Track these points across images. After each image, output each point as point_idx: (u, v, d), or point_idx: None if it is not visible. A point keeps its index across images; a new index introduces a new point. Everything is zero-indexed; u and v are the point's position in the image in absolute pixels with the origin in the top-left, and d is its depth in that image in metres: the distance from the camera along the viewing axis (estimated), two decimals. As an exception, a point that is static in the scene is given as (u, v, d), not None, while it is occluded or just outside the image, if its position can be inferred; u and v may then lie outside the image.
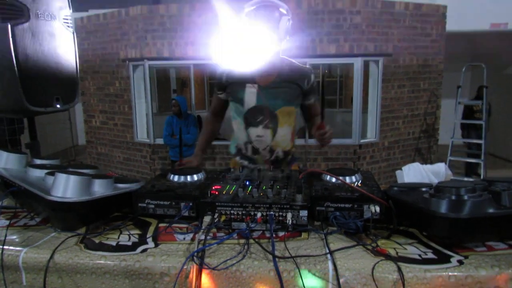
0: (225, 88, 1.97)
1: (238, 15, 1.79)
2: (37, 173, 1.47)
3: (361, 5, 5.41)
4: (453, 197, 1.04)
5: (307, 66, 1.95)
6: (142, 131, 6.31)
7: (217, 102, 2.09)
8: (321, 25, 5.47)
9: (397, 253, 1.05)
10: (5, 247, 1.14)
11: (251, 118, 1.92)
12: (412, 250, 1.07)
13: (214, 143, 5.82)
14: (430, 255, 1.04)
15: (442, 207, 1.04)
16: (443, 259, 1.02)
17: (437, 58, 6.20)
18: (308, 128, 2.10)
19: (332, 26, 5.46)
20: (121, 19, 6.01)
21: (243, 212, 1.20)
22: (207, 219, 1.20)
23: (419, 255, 1.04)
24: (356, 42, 5.48)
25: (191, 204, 1.29)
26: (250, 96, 1.88)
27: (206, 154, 2.00)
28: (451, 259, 1.01)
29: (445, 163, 1.59)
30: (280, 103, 1.88)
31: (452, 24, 6.43)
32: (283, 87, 1.88)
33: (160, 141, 5.88)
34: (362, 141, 5.82)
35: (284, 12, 1.77)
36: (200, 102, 8.63)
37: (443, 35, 6.15)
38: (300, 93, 1.91)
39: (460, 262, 0.99)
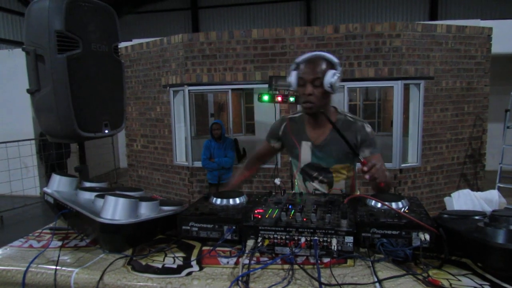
0: (280, 140, 2.03)
1: (290, 69, 1.84)
2: (87, 196, 1.53)
3: (401, 29, 5.36)
4: (511, 227, 0.99)
5: (359, 119, 1.87)
6: (181, 154, 6.46)
7: (266, 148, 2.12)
8: (359, 48, 5.46)
9: (450, 284, 1.00)
10: (58, 267, 1.19)
11: (307, 174, 1.97)
12: (467, 282, 1.01)
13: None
14: (487, 288, 0.98)
15: (499, 237, 0.98)
16: (502, 292, 0.96)
17: (482, 81, 5.99)
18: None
19: (370, 49, 5.44)
20: (162, 47, 6.27)
21: (287, 236, 1.19)
22: (250, 243, 1.19)
23: (475, 288, 0.98)
24: (396, 66, 5.41)
25: (234, 227, 1.29)
26: (305, 153, 1.92)
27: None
28: (511, 293, 0.95)
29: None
30: (332, 161, 1.89)
31: (499, 46, 6.23)
32: (335, 144, 1.84)
33: (198, 164, 5.98)
34: (403, 165, 5.65)
35: (333, 65, 1.76)
36: (236, 125, 8.76)
37: (488, 57, 5.96)
38: (352, 149, 1.82)
39: (521, 297, 0.93)
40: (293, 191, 2.10)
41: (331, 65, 1.75)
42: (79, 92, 2.00)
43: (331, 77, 1.70)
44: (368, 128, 1.86)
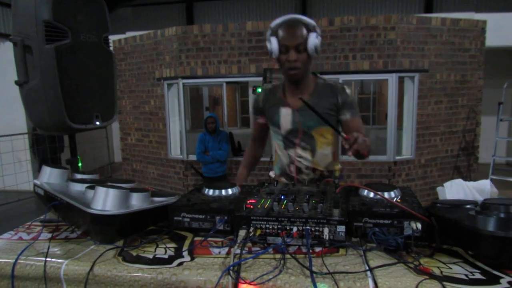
0: (263, 112, 1.99)
1: (265, 34, 1.79)
2: (77, 187, 1.52)
3: (396, 21, 5.35)
4: (502, 215, 0.99)
5: (339, 83, 1.86)
6: (176, 148, 6.44)
7: (256, 128, 2.10)
8: (354, 41, 5.45)
9: (441, 272, 1.00)
10: (47, 259, 1.18)
11: (288, 140, 1.93)
12: (458, 270, 1.01)
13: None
14: (478, 275, 0.98)
15: (489, 225, 0.98)
16: (492, 280, 0.96)
17: (476, 73, 6.00)
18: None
19: (365, 42, 5.43)
20: (156, 40, 6.22)
21: (279, 226, 1.18)
22: (242, 233, 1.19)
23: (466, 275, 0.98)
24: (391, 58, 5.41)
25: (226, 218, 1.29)
26: (285, 119, 1.89)
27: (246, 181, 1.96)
28: (501, 280, 0.95)
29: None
30: (313, 124, 1.86)
31: (493, 39, 6.23)
32: (316, 107, 1.82)
33: (192, 157, 5.97)
34: (397, 158, 5.67)
35: (312, 28, 1.72)
36: (232, 119, 8.74)
37: (482, 50, 5.97)
38: (333, 110, 1.85)
39: (511, 284, 0.93)
40: (273, 162, 2.07)
41: (309, 28, 1.72)
42: (68, 83, 1.97)
43: (314, 40, 1.67)
44: (348, 90, 1.86)
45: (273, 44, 1.73)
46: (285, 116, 1.88)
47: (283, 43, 1.70)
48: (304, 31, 1.69)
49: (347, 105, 1.84)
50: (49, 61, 1.89)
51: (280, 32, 1.72)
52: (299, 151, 1.91)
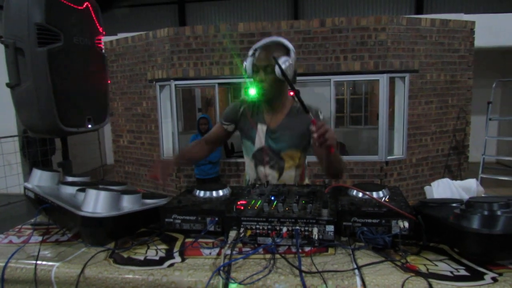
0: (236, 123, 1.99)
1: (248, 54, 1.81)
2: (68, 190, 1.52)
3: (386, 22, 5.40)
4: (486, 213, 1.01)
5: (314, 107, 1.81)
6: (168, 149, 6.42)
7: (218, 131, 2.06)
8: (345, 42, 5.49)
9: (427, 269, 1.02)
10: (38, 262, 1.18)
11: (258, 158, 1.95)
12: (444, 267, 1.04)
13: (238, 160, 5.86)
14: (463, 272, 1.01)
15: (474, 222, 1.01)
16: (476, 276, 0.98)
17: (465, 74, 6.08)
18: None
19: (356, 43, 5.47)
20: (148, 41, 6.21)
21: (269, 227, 1.20)
22: (232, 234, 1.20)
23: (451, 272, 1.00)
24: (381, 59, 5.46)
25: (216, 219, 1.30)
26: (260, 136, 1.91)
27: (173, 171, 1.94)
28: (485, 276, 0.97)
29: (477, 180, 1.54)
30: (284, 146, 1.88)
31: (482, 40, 6.32)
32: (288, 130, 1.87)
33: (185, 159, 5.96)
34: (389, 157, 5.72)
35: (286, 53, 1.73)
36: (225, 121, 8.74)
37: (471, 50, 6.04)
38: (306, 133, 1.85)
39: (495, 280, 0.95)
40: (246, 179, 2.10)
41: (285, 52, 1.74)
42: (61, 86, 1.97)
43: (281, 64, 1.67)
44: (321, 116, 1.87)
45: (247, 63, 1.80)
46: (261, 132, 1.91)
47: (254, 63, 1.77)
48: (276, 54, 1.69)
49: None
50: (41, 64, 1.89)
51: (256, 53, 1.78)
52: (267, 170, 1.94)
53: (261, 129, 1.91)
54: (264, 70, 1.74)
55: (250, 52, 1.81)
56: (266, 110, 1.92)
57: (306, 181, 2.03)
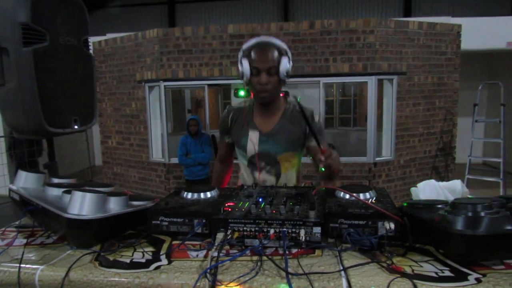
0: (229, 133, 1.97)
1: (239, 57, 1.77)
2: (54, 192, 1.50)
3: (375, 25, 5.45)
4: (470, 214, 1.02)
5: (308, 108, 1.80)
6: (157, 151, 6.39)
7: (224, 148, 2.06)
8: (334, 44, 5.52)
9: (412, 270, 1.03)
10: (21, 265, 1.16)
11: (254, 165, 1.91)
12: (428, 268, 1.05)
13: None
14: (447, 273, 1.02)
15: (458, 224, 1.02)
16: (460, 277, 0.99)
17: (452, 76, 6.16)
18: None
19: (345, 45, 5.51)
20: (137, 42, 6.18)
21: (256, 228, 1.20)
22: (220, 236, 1.20)
23: (436, 273, 1.01)
24: (370, 61, 5.50)
25: (204, 221, 1.29)
26: (252, 142, 1.87)
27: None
28: (469, 277, 0.99)
29: (463, 181, 1.56)
30: (281, 149, 1.86)
31: (468, 43, 6.42)
32: (284, 133, 1.85)
33: (174, 160, 5.93)
34: (377, 159, 5.77)
35: (284, 52, 1.73)
36: (214, 122, 8.73)
37: (458, 53, 6.13)
38: (301, 136, 1.87)
39: (478, 280, 0.97)
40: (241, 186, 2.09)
41: (281, 52, 1.72)
42: (46, 86, 1.94)
43: (286, 64, 1.68)
44: (316, 118, 1.87)
45: (244, 66, 1.72)
46: (252, 139, 1.87)
47: (255, 65, 1.70)
48: (276, 54, 1.70)
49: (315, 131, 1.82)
50: (27, 64, 1.86)
51: (252, 54, 1.71)
52: (264, 175, 1.91)
53: (253, 135, 1.87)
54: (267, 72, 1.70)
55: (242, 54, 1.76)
56: (258, 114, 1.88)
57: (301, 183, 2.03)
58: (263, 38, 1.76)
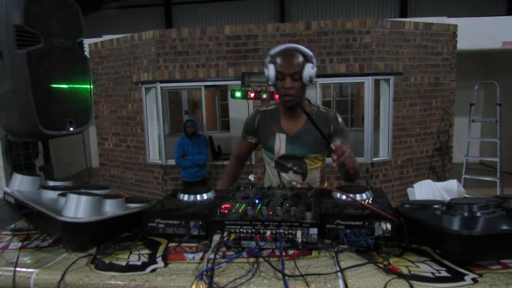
0: (256, 134, 2.03)
1: (265, 62, 1.84)
2: (50, 195, 1.49)
3: (371, 25, 5.46)
4: (466, 214, 1.02)
5: (331, 110, 1.94)
6: (154, 152, 6.37)
7: (244, 147, 2.12)
8: (330, 45, 5.53)
9: (409, 271, 1.03)
10: (17, 269, 1.15)
11: (281, 165, 1.98)
12: (425, 268, 1.05)
13: (225, 163, 5.84)
14: (444, 273, 1.02)
15: (454, 224, 1.02)
16: (457, 277, 0.99)
17: (449, 76, 6.18)
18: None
19: (342, 46, 5.51)
20: (134, 44, 6.16)
21: (253, 230, 1.19)
22: (216, 238, 1.19)
23: (432, 273, 1.01)
24: (366, 62, 5.51)
25: (200, 223, 1.29)
26: (280, 145, 1.93)
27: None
28: (465, 277, 0.99)
29: (460, 181, 1.57)
30: (307, 151, 1.93)
31: (464, 43, 6.44)
32: (309, 135, 1.90)
33: (171, 162, 5.92)
34: (374, 159, 5.77)
35: (309, 59, 1.78)
36: (211, 123, 8.72)
37: (454, 53, 6.14)
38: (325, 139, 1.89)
39: (475, 281, 0.97)
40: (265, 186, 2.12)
41: (306, 58, 1.78)
42: (41, 88, 1.93)
43: (310, 70, 1.74)
44: (340, 119, 1.94)
45: (270, 70, 1.79)
46: (280, 142, 1.92)
47: (280, 70, 1.77)
48: (301, 60, 1.76)
49: (338, 133, 1.91)
50: (21, 66, 1.85)
51: (278, 60, 1.78)
52: (291, 175, 1.98)
53: (280, 137, 1.92)
54: (291, 77, 1.75)
55: (268, 59, 1.82)
56: (284, 117, 1.94)
57: (325, 184, 2.09)
58: (289, 45, 1.82)
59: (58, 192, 1.45)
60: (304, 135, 1.90)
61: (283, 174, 2.00)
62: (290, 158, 1.95)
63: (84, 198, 1.24)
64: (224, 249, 1.21)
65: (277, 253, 1.17)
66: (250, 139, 2.07)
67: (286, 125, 1.93)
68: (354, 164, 1.63)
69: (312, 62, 1.78)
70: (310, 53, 1.79)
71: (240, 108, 5.93)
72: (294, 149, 1.93)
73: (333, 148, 1.60)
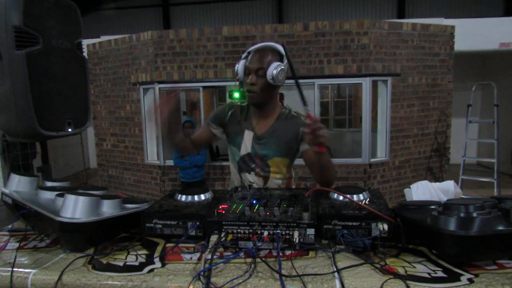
0: (224, 126, 1.96)
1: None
2: (47, 195, 1.49)
3: (368, 26, 5.47)
4: (462, 215, 1.03)
5: (302, 114, 1.81)
6: (152, 153, 6.37)
7: (204, 133, 1.98)
8: (328, 46, 5.54)
9: (406, 271, 1.04)
10: (14, 269, 1.15)
11: (243, 164, 1.93)
12: (421, 269, 1.05)
13: (223, 164, 5.85)
14: (440, 273, 1.02)
15: (450, 224, 1.02)
16: (453, 277, 1.00)
17: (446, 77, 6.19)
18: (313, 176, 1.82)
19: (339, 47, 5.52)
20: (132, 44, 6.16)
21: (250, 230, 1.20)
22: (214, 238, 1.20)
23: (429, 274, 1.02)
24: (364, 63, 5.52)
25: (198, 223, 1.29)
26: (246, 143, 1.89)
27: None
28: (461, 278, 0.99)
29: (457, 182, 1.57)
30: (271, 154, 1.86)
31: (461, 44, 6.46)
32: (276, 136, 1.84)
33: (170, 162, 5.92)
34: (372, 160, 5.78)
35: (280, 58, 1.73)
36: (209, 124, 8.70)
37: (451, 54, 6.16)
38: (293, 143, 1.84)
39: (471, 281, 0.97)
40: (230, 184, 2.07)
41: (279, 57, 1.74)
42: (39, 89, 1.94)
43: (273, 68, 1.68)
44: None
45: (240, 65, 1.79)
46: (247, 139, 1.89)
47: (246, 65, 1.76)
48: (269, 58, 1.71)
49: None
50: (20, 67, 1.85)
51: (249, 56, 1.78)
52: (253, 177, 1.92)
53: (248, 135, 1.89)
54: (255, 73, 1.72)
55: (243, 55, 1.80)
56: (255, 116, 1.90)
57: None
58: (265, 43, 1.79)
59: (56, 193, 1.45)
60: (271, 135, 1.85)
61: (246, 174, 1.93)
62: (254, 158, 1.89)
63: (81, 199, 1.24)
64: (221, 249, 1.21)
65: (274, 253, 1.18)
66: (214, 129, 1.95)
67: (255, 123, 1.89)
68: (326, 141, 1.43)
69: (281, 62, 1.70)
70: (282, 53, 1.71)
71: (238, 109, 5.92)
72: (259, 149, 1.87)
73: (307, 114, 1.41)
